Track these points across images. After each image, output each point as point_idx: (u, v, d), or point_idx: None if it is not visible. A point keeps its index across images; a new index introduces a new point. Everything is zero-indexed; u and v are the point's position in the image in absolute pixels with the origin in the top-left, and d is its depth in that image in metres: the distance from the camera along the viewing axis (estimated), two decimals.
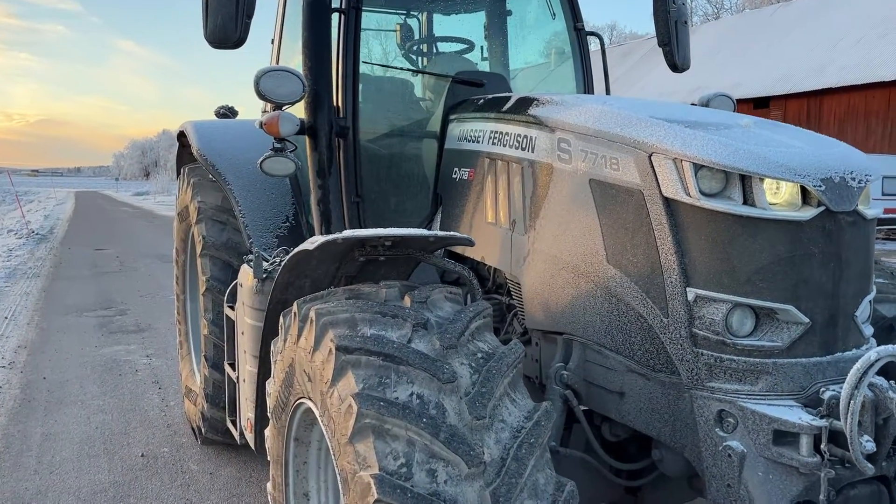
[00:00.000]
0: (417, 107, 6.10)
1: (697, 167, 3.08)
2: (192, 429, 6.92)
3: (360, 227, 5.15)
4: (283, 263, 4.01)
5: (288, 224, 6.02)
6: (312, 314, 3.27)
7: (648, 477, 3.82)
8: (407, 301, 3.30)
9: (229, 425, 5.81)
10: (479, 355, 3.11)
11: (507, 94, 4.79)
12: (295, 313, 3.53)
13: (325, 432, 3.22)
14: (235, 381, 5.41)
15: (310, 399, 3.45)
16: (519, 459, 2.80)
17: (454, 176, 4.90)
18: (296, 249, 3.70)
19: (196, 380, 6.95)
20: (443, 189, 5.05)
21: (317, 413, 3.34)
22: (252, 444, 4.86)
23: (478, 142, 4.64)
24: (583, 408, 3.74)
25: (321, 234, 5.11)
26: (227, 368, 5.71)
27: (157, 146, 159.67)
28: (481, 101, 4.87)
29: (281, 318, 3.81)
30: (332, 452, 3.11)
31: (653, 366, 3.43)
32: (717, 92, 5.26)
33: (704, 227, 3.08)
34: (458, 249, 4.73)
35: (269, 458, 4.14)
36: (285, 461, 3.92)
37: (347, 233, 3.52)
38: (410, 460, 2.70)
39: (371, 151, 5.40)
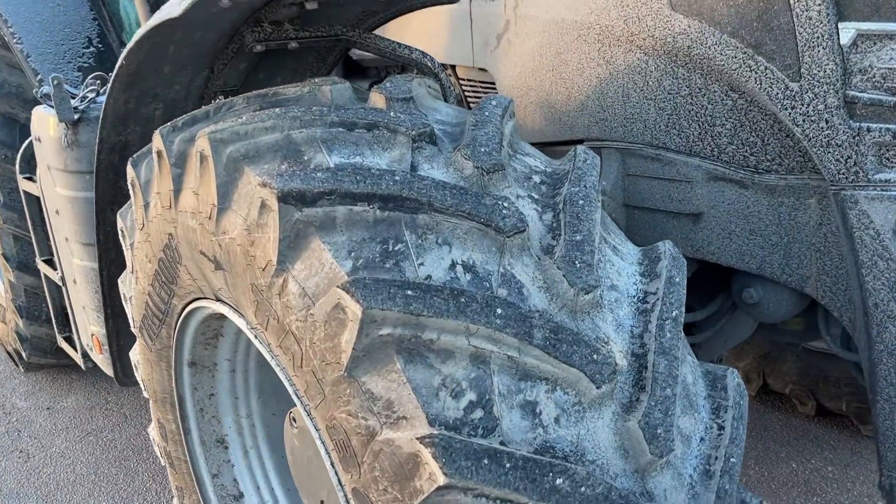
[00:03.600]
0: None
1: None
2: (9, 355, 5.08)
3: None
4: (112, 80, 2.32)
5: (92, 49, 4.10)
6: (203, 144, 1.71)
7: (709, 330, 2.74)
8: (379, 101, 1.81)
9: (62, 344, 4.12)
10: (538, 180, 1.72)
11: None
12: (159, 152, 1.93)
13: (265, 353, 1.77)
14: (60, 283, 3.67)
15: (218, 299, 1.95)
16: (665, 352, 1.52)
17: None
18: (140, 32, 2.02)
19: None
20: None
21: (240, 322, 1.87)
22: (110, 371, 3.26)
23: None
24: None
25: None
26: (43, 267, 3.94)
27: None
28: None
29: (129, 169, 2.18)
30: (294, 392, 1.68)
31: (757, 164, 2.21)
32: None
33: None
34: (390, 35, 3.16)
35: (145, 394, 2.64)
36: (177, 398, 2.44)
37: None
38: (485, 393, 1.35)
39: None
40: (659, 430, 1.43)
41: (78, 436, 4.40)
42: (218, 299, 1.94)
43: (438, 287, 1.38)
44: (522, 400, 1.38)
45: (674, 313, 1.57)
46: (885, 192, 2.01)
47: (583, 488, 1.32)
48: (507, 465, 1.29)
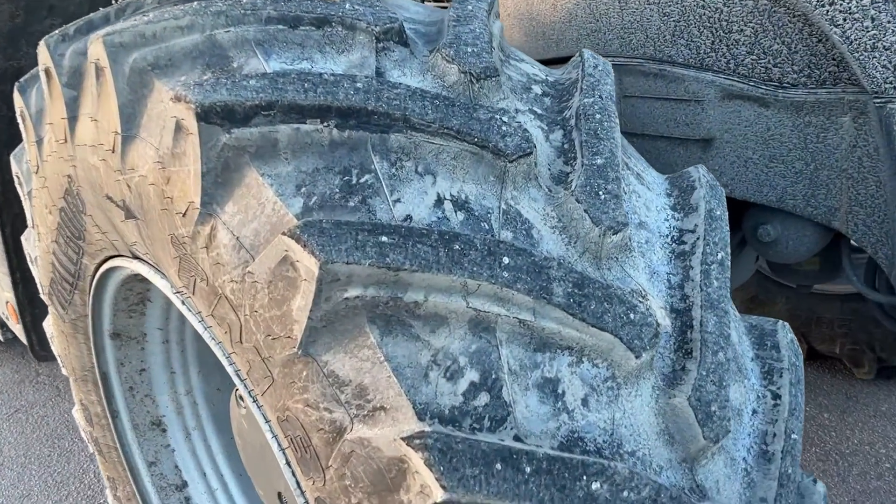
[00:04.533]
0: None
1: None
2: None
3: None
4: None
5: None
6: (98, 51, 1.28)
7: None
8: None
9: None
10: (539, 91, 1.35)
11: None
12: (48, 70, 1.50)
13: (196, 324, 1.40)
14: None
15: (135, 256, 1.55)
16: (714, 306, 1.18)
17: None
18: None
19: None
20: None
21: (162, 284, 1.48)
22: (27, 341, 2.83)
23: None
24: None
25: None
26: None
27: None
28: None
29: (16, 97, 1.74)
30: (234, 373, 1.31)
31: (781, 77, 1.88)
32: None
33: None
34: None
35: (63, 371, 2.24)
36: (101, 375, 2.04)
37: None
38: (491, 371, 1.00)
39: None
40: (713, 408, 1.10)
41: (5, 413, 3.95)
42: (135, 257, 1.54)
43: (423, 231, 1.01)
44: (540, 377, 1.03)
45: (719, 255, 1.23)
46: None
47: (625, 492, 0.99)
48: (528, 470, 0.95)
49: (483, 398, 0.99)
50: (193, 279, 1.23)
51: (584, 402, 1.04)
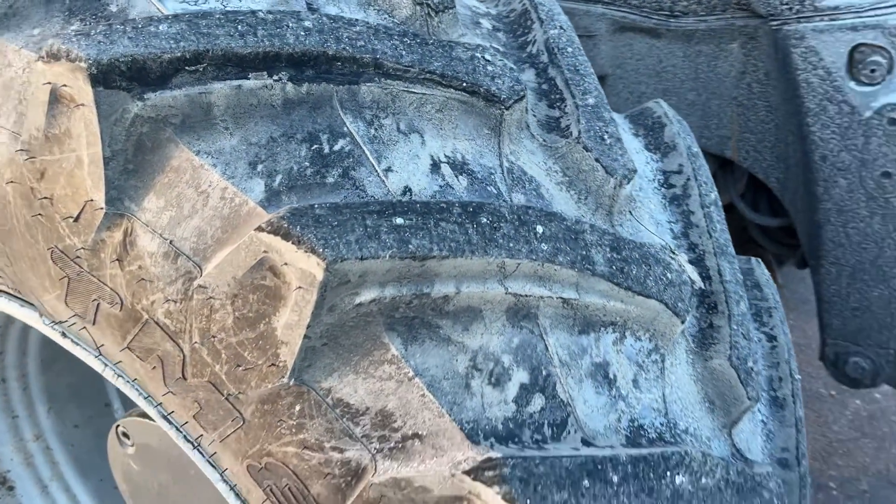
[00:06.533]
0: None
1: None
2: None
3: None
4: None
5: None
6: None
7: None
8: None
9: None
10: (490, 26, 1.15)
11: None
12: None
13: (90, 361, 1.06)
14: None
15: None
16: (724, 252, 1.07)
17: None
18: None
19: None
20: None
21: (25, 316, 1.12)
22: None
23: None
24: None
25: None
26: None
27: None
28: None
29: None
30: (161, 417, 1.01)
31: (672, 6, 1.83)
32: None
33: None
34: None
35: None
36: None
37: None
38: (541, 366, 0.81)
39: None
40: (750, 363, 1.00)
41: None
42: None
43: (442, 205, 0.78)
44: (590, 364, 0.86)
45: (713, 195, 1.12)
46: (834, 22, 1.70)
47: (703, 479, 0.86)
48: (615, 480, 0.78)
49: (538, 401, 0.81)
50: (95, 304, 0.91)
51: (635, 383, 0.89)
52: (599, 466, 0.77)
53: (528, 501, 0.72)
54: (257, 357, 0.79)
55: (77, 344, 1.04)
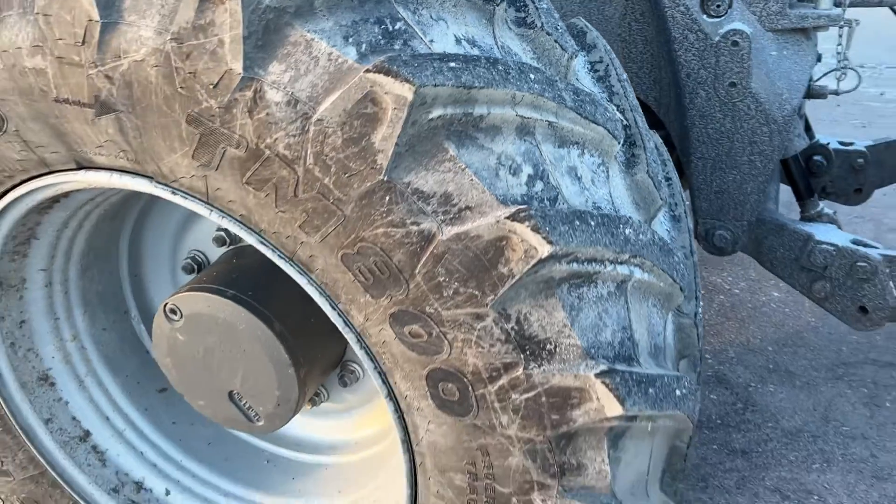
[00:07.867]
0: None
1: None
2: None
3: None
4: None
5: None
6: None
7: None
8: None
9: None
10: None
11: None
12: None
13: (201, 210, 1.44)
14: None
15: (81, 166, 1.50)
16: (634, 108, 1.58)
17: None
18: None
19: None
20: None
21: (139, 184, 1.47)
22: None
23: None
24: None
25: None
26: None
27: None
28: None
29: None
30: (268, 240, 1.40)
31: None
32: None
33: None
34: None
35: None
36: None
37: None
38: (539, 164, 1.29)
39: None
40: (659, 177, 1.50)
41: None
42: (82, 167, 1.47)
43: (475, 57, 1.23)
44: (566, 166, 1.33)
45: (624, 75, 1.62)
46: None
47: (640, 235, 1.35)
48: (593, 224, 1.25)
49: (539, 185, 1.26)
50: (222, 151, 1.28)
51: (593, 182, 1.37)
52: (583, 216, 1.24)
53: (547, 228, 1.18)
54: (360, 164, 1.20)
55: (186, 196, 1.40)
